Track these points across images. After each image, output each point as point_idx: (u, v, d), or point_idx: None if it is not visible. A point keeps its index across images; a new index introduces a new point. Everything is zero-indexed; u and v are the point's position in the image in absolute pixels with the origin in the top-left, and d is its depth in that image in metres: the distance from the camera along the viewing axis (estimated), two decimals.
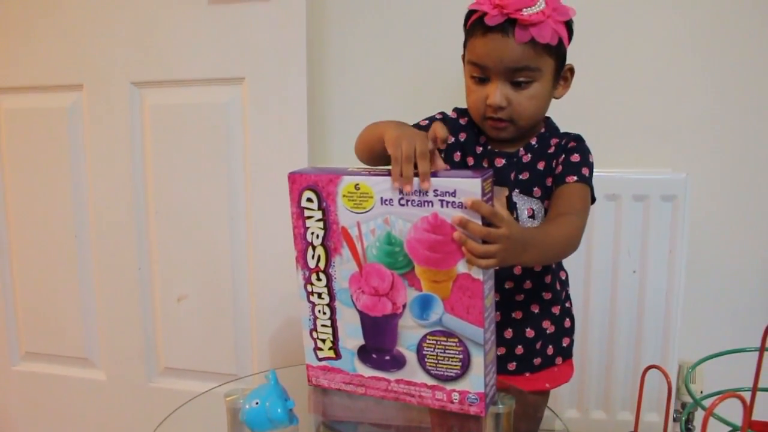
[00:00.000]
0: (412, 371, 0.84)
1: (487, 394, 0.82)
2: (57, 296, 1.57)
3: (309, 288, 0.86)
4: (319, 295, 0.86)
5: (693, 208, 1.31)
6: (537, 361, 1.03)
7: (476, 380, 0.81)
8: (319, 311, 0.87)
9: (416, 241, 0.77)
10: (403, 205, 0.76)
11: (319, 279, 0.85)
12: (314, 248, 0.84)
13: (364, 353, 0.86)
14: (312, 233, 0.83)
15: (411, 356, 0.83)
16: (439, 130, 0.81)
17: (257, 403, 0.77)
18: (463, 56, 1.00)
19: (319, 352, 0.89)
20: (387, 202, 0.77)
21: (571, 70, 0.99)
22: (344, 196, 0.79)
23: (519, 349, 1.01)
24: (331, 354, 0.88)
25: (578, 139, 0.99)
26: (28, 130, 1.53)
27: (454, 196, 0.73)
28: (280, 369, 0.87)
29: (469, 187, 0.73)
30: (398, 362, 0.84)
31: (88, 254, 1.53)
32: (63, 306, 1.57)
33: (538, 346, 1.02)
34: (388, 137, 0.81)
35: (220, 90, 1.37)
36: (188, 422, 0.97)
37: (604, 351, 1.37)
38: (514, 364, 1.02)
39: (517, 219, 0.94)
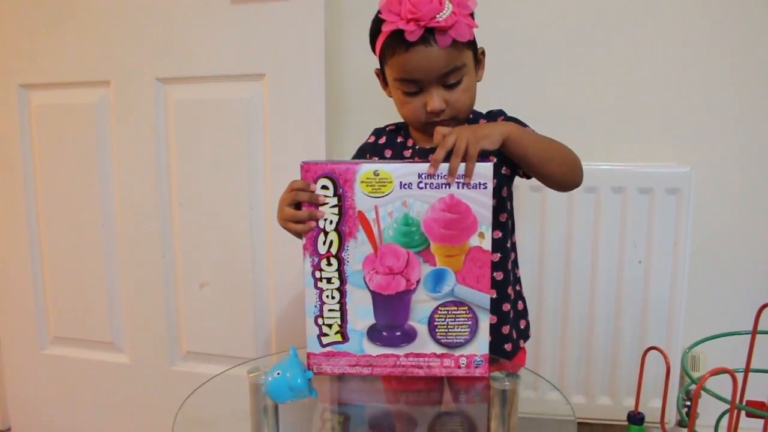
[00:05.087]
0: (423, 343, 0.89)
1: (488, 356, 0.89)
2: (84, 283, 1.62)
3: (317, 274, 0.88)
4: (329, 280, 0.88)
5: (697, 201, 1.35)
6: (508, 347, 1.07)
7: (482, 343, 0.88)
8: (327, 296, 0.89)
9: (433, 220, 0.84)
10: (422, 188, 0.83)
11: (329, 264, 0.88)
12: (326, 234, 0.87)
13: (373, 332, 0.90)
14: (325, 219, 0.86)
15: (422, 329, 0.88)
16: None
17: (279, 374, 0.82)
18: (381, 73, 1.05)
19: (323, 338, 0.91)
20: (406, 186, 0.83)
21: (483, 53, 1.03)
22: (362, 182, 0.84)
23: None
24: (338, 338, 0.90)
25: (502, 112, 1.05)
26: (57, 125, 1.59)
27: (471, 178, 0.82)
28: (299, 348, 0.90)
29: (483, 170, 0.82)
30: (409, 336, 0.89)
31: (115, 243, 1.58)
32: (90, 293, 1.62)
33: (504, 330, 1.06)
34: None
35: (241, 86, 1.42)
36: (210, 402, 1.00)
37: (609, 339, 1.41)
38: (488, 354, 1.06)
39: None
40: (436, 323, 0.88)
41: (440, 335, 0.88)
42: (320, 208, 0.85)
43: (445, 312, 0.87)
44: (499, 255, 1.04)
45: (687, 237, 1.34)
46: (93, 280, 1.61)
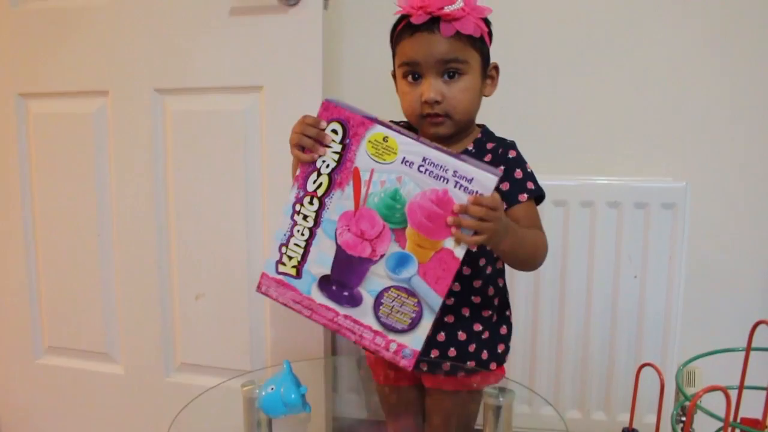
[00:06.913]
0: (364, 313, 0.89)
1: (420, 354, 0.89)
2: (79, 293, 1.62)
3: (297, 207, 0.90)
4: (305, 217, 0.90)
5: (692, 216, 1.35)
6: (471, 364, 1.07)
7: (418, 339, 0.88)
8: (298, 231, 0.90)
9: (418, 206, 0.84)
10: (421, 172, 0.84)
11: (311, 203, 0.90)
12: (320, 174, 0.89)
13: (324, 282, 0.91)
14: (323, 161, 0.88)
15: (368, 299, 0.89)
16: None
17: (272, 389, 0.82)
18: (393, 72, 1.07)
19: (280, 266, 0.92)
20: (407, 164, 0.84)
21: (496, 68, 1.05)
22: (370, 141, 0.85)
23: (452, 351, 1.06)
24: (293, 272, 0.92)
25: (514, 147, 1.05)
26: (55, 134, 1.59)
27: (470, 183, 0.82)
28: (294, 362, 0.91)
29: (485, 180, 0.82)
30: (354, 300, 0.90)
31: (110, 254, 1.57)
32: (85, 303, 1.62)
33: (471, 348, 1.06)
34: None
35: (239, 98, 1.42)
36: (203, 414, 1.00)
37: (605, 354, 1.40)
38: (448, 364, 1.06)
39: None
40: (382, 301, 0.88)
41: (382, 313, 0.88)
42: (323, 149, 0.88)
43: (395, 294, 0.88)
44: (480, 281, 1.05)
45: (682, 252, 1.34)
46: (88, 290, 1.61)
